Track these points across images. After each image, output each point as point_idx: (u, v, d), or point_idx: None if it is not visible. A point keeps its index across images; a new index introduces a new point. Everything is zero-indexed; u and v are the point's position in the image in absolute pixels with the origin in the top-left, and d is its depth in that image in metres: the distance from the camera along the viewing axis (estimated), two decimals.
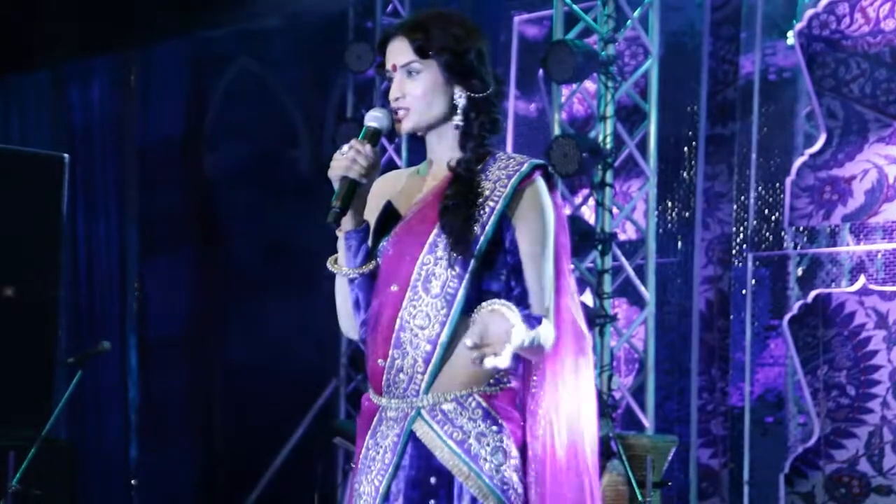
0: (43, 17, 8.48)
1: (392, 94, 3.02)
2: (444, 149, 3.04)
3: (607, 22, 6.99)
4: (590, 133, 7.07)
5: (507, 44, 7.91)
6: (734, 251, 7.23)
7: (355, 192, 2.95)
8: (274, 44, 8.90)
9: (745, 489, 7.12)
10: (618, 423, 7.07)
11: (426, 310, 2.95)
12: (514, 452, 2.96)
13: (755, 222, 7.15)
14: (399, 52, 3.01)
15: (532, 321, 2.85)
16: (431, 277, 2.95)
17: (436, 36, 2.98)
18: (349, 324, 3.11)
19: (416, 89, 2.99)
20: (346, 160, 2.93)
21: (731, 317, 7.22)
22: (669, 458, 6.46)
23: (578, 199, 7.32)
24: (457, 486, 2.95)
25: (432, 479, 2.97)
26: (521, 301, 2.95)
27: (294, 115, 9.03)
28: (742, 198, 7.22)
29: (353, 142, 2.93)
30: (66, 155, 7.17)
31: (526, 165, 3.00)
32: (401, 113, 3.01)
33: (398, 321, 2.96)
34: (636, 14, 7.07)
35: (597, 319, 6.84)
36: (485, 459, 2.93)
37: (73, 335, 8.63)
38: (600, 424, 6.27)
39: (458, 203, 2.94)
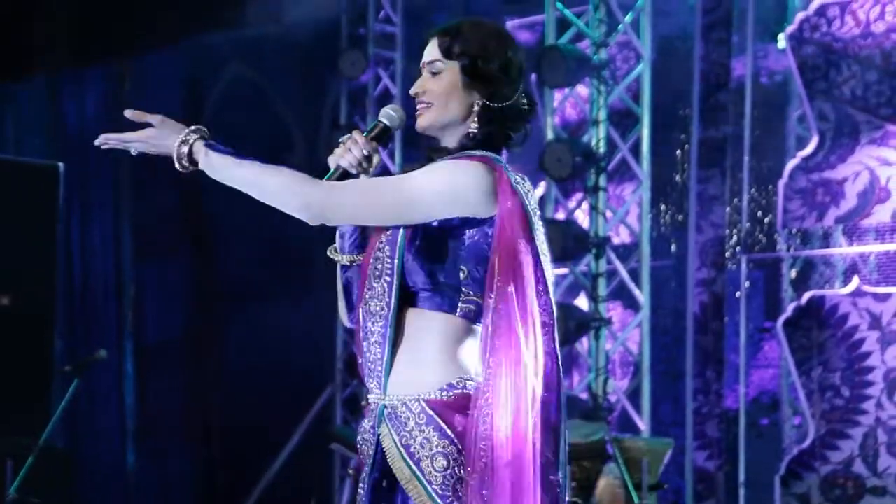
0: (37, 26, 8.49)
1: (413, 90, 3.05)
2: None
3: (599, 26, 7.02)
4: (583, 137, 7.09)
5: None
6: (728, 254, 7.25)
7: (345, 180, 2.97)
8: (268, 50, 8.92)
9: (741, 491, 7.14)
10: (613, 426, 7.09)
11: (377, 297, 2.99)
12: (457, 458, 2.92)
13: (748, 225, 7.18)
14: (429, 51, 3.04)
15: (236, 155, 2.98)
16: (378, 265, 3.00)
17: (463, 39, 3.01)
18: (344, 313, 3.15)
19: (435, 87, 3.02)
20: (341, 149, 2.98)
21: (726, 319, 7.24)
22: (665, 460, 6.47)
23: (572, 203, 7.35)
24: (400, 492, 2.97)
25: (384, 483, 2.99)
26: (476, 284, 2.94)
27: (288, 120, 9.04)
28: (735, 200, 7.24)
29: (354, 132, 2.99)
30: (60, 164, 7.19)
31: (458, 152, 3.00)
32: (420, 108, 3.04)
33: (362, 313, 3.01)
34: (628, 19, 7.09)
35: (592, 323, 6.87)
36: (427, 465, 2.94)
37: (69, 342, 8.63)
38: (595, 428, 6.33)
39: None
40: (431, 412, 2.93)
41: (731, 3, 7.31)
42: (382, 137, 3.02)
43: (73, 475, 7.00)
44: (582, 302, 7.26)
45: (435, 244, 2.95)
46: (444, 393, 2.95)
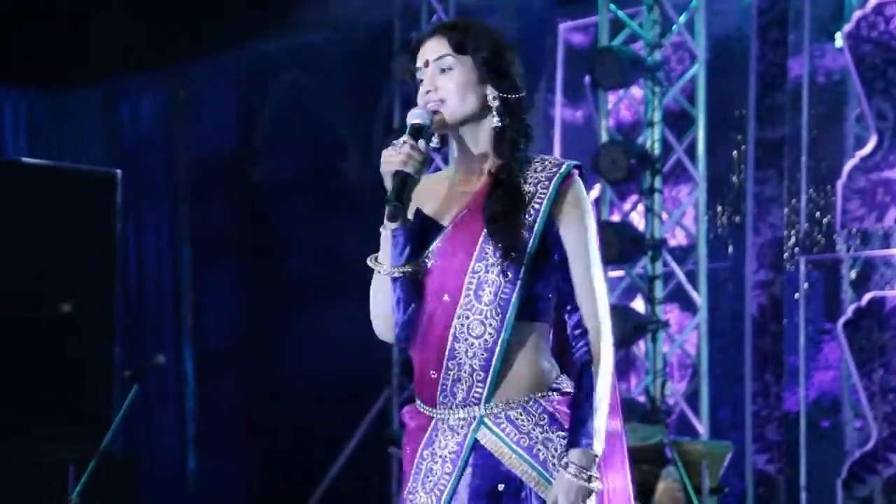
0: (94, 35, 8.56)
1: (424, 87, 3.02)
2: (478, 148, 3.06)
3: (653, 27, 6.98)
4: (637, 139, 7.06)
5: (553, 51, 7.91)
6: (786, 255, 7.20)
7: (411, 187, 2.95)
8: (321, 56, 8.94)
9: (803, 495, 7.08)
10: (672, 430, 7.05)
11: (480, 318, 2.96)
12: None
13: (807, 226, 7.12)
14: (433, 48, 3.02)
15: (586, 432, 2.93)
16: (484, 285, 2.96)
17: (474, 34, 3.02)
18: (385, 324, 3.09)
19: (449, 83, 3.00)
20: (401, 155, 2.92)
21: (785, 321, 7.18)
22: (725, 463, 6.43)
23: (627, 206, 7.31)
24: (526, 492, 2.97)
25: (500, 487, 2.98)
26: (566, 300, 3.00)
27: (342, 126, 9.06)
28: (793, 201, 7.18)
29: (405, 137, 2.93)
30: (118, 171, 7.24)
31: (564, 166, 3.02)
32: (435, 105, 3.02)
33: (451, 331, 2.97)
34: (682, 19, 7.05)
35: (648, 325, 6.83)
36: (553, 465, 2.95)
37: (128, 348, 8.69)
38: (653, 431, 6.29)
39: (505, 210, 2.95)
40: (552, 410, 2.97)
41: (787, 3, 7.25)
42: (425, 135, 2.98)
43: (134, 481, 7.03)
44: (639, 305, 7.22)
45: (543, 258, 2.99)
46: (555, 392, 2.99)
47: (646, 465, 6.16)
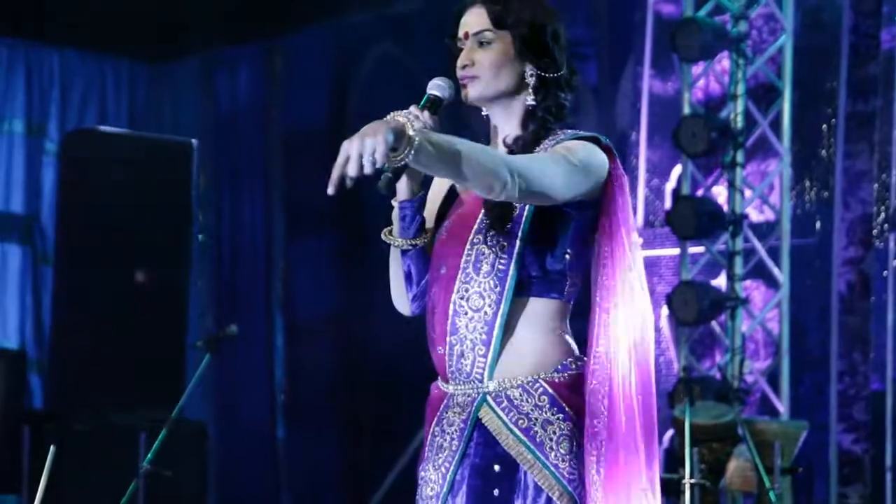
0: (193, 7, 8.65)
1: (460, 62, 2.98)
2: (510, 127, 3.01)
3: None
4: (721, 113, 6.92)
5: (642, 23, 7.78)
6: (875, 231, 7.01)
7: None
8: (415, 28, 8.91)
9: (888, 475, 6.91)
10: (753, 409, 6.93)
11: (479, 290, 2.92)
12: (578, 439, 2.91)
13: None
14: (474, 20, 2.98)
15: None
16: (481, 257, 2.92)
17: (514, 8, 2.96)
18: (400, 297, 3.10)
19: (485, 59, 2.95)
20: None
21: (873, 299, 7.00)
22: (800, 443, 6.29)
23: (712, 181, 7.19)
24: (521, 475, 2.91)
25: (496, 467, 2.93)
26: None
27: None
28: (883, 176, 6.99)
29: (411, 108, 2.87)
30: (194, 140, 7.29)
31: (569, 133, 2.94)
32: (466, 80, 2.97)
33: (451, 305, 2.94)
34: None
35: (727, 302, 6.71)
36: (551, 448, 2.89)
37: (218, 317, 8.79)
38: (726, 409, 6.19)
39: None
40: (554, 392, 2.90)
41: None
42: (437, 110, 2.93)
43: (206, 447, 7.11)
44: (723, 282, 7.09)
45: (548, 230, 2.90)
46: (560, 374, 2.93)
47: (716, 444, 6.07)
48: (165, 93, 9.79)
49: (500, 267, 2.90)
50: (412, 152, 2.58)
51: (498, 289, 2.90)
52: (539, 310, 2.93)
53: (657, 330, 7.49)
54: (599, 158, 2.90)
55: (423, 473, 3.05)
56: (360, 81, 9.26)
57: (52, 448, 4.32)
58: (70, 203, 7.35)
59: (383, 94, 9.03)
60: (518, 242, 2.89)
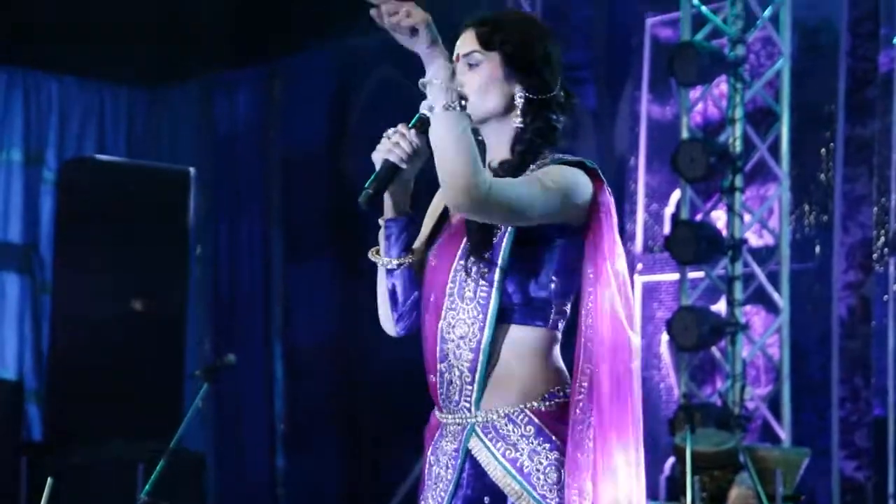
0: (191, 31, 8.65)
1: None
2: (500, 149, 2.97)
3: (735, 22, 6.82)
4: (719, 137, 6.90)
5: (640, 47, 7.77)
6: (875, 255, 6.98)
7: (393, 177, 2.88)
8: (411, 52, 8.90)
9: (891, 503, 6.87)
10: (754, 435, 6.89)
11: (463, 317, 2.89)
12: (564, 468, 2.87)
13: None
14: (464, 43, 2.96)
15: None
16: (464, 284, 2.89)
17: (502, 29, 2.93)
18: (385, 316, 3.06)
19: (473, 80, 2.93)
20: (388, 143, 2.88)
21: (874, 323, 6.97)
22: (801, 470, 6.26)
23: (710, 205, 7.16)
24: None
25: (486, 499, 2.91)
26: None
27: None
28: (882, 200, 6.97)
29: (399, 126, 2.88)
30: (192, 169, 7.29)
31: (555, 158, 2.91)
32: None
33: (439, 333, 2.91)
34: (766, 14, 6.88)
35: (727, 328, 6.67)
36: (538, 479, 2.86)
37: (215, 345, 8.76)
38: (727, 436, 6.15)
39: None
40: (539, 422, 2.87)
41: None
42: (426, 129, 2.90)
43: (205, 478, 7.08)
44: (723, 307, 7.06)
45: (530, 257, 2.87)
46: (546, 403, 2.89)
47: (718, 471, 6.03)
48: (164, 117, 9.78)
49: (482, 294, 2.87)
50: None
51: (480, 316, 2.87)
52: (524, 338, 2.90)
53: (657, 356, 7.45)
54: (581, 182, 2.87)
55: (423, 502, 3.03)
56: (360, 105, 9.25)
57: (49, 480, 4.29)
58: (68, 232, 7.34)
59: (383, 118, 8.99)
60: (499, 270, 2.86)
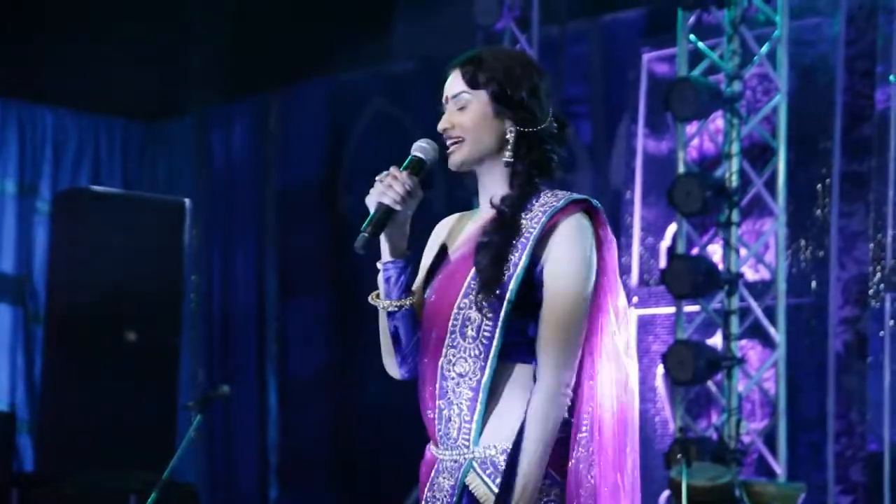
0: (187, 66, 8.66)
1: (441, 126, 2.96)
2: (494, 186, 2.96)
3: (732, 58, 6.84)
4: (716, 172, 6.91)
5: (636, 81, 7.79)
6: (871, 291, 6.98)
7: (388, 219, 2.87)
8: (410, 86, 8.93)
9: None
10: (750, 470, 6.86)
11: (464, 355, 2.87)
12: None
13: (893, 261, 6.90)
14: (451, 84, 2.96)
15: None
16: (467, 322, 2.87)
17: (487, 67, 2.92)
18: (390, 360, 3.05)
19: (465, 120, 2.92)
20: (381, 186, 2.87)
21: (870, 359, 6.96)
22: None
23: (706, 239, 7.16)
24: None
25: None
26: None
27: None
28: (879, 236, 6.97)
29: (392, 168, 2.88)
30: (187, 200, 7.28)
31: (563, 200, 2.90)
32: (451, 145, 2.94)
33: (439, 370, 2.89)
34: (763, 50, 6.89)
35: (723, 362, 6.66)
36: None
37: (209, 376, 8.73)
38: (723, 471, 6.13)
39: (489, 242, 2.86)
40: None
41: (876, 33, 7.05)
42: (419, 171, 2.91)
43: None
44: (719, 341, 7.05)
45: (533, 297, 2.86)
46: None
47: None
48: (160, 150, 9.79)
49: (486, 332, 2.85)
50: None
51: (482, 354, 2.85)
52: (524, 375, 2.89)
53: (652, 389, 7.43)
54: (589, 243, 2.88)
55: None
56: (355, 137, 9.26)
57: None
58: (62, 263, 7.33)
59: (378, 152, 9.02)
60: (505, 306, 2.84)
